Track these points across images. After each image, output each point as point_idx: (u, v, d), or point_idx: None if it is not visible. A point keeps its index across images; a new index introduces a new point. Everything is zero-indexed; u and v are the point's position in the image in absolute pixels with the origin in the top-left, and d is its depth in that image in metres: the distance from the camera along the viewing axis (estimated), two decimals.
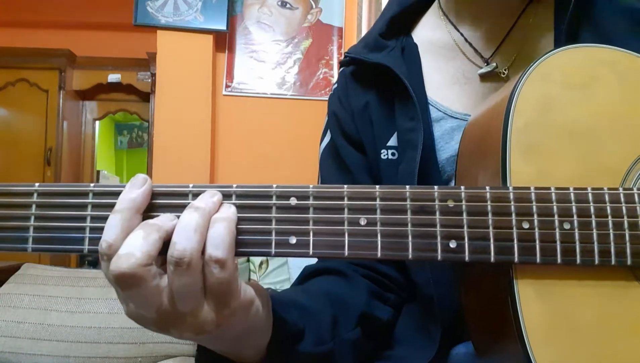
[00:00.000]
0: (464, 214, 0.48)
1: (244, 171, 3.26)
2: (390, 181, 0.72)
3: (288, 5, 3.40)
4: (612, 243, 0.48)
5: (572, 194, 0.49)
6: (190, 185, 0.47)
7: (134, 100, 4.69)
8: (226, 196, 0.47)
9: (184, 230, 0.43)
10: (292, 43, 3.38)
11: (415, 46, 0.79)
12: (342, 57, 0.83)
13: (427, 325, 0.69)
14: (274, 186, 0.48)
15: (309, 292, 0.67)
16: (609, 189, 0.49)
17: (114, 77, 4.43)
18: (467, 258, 0.47)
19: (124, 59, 4.42)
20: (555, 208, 0.48)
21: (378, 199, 0.48)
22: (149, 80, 4.25)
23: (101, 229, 0.44)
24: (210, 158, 3.21)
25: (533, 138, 0.51)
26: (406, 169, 0.69)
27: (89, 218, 0.46)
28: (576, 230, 0.48)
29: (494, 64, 0.73)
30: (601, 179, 0.50)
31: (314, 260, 0.74)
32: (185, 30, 3.19)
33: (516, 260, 0.47)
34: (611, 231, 0.48)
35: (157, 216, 0.46)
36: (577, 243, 0.48)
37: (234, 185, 0.47)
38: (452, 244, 0.47)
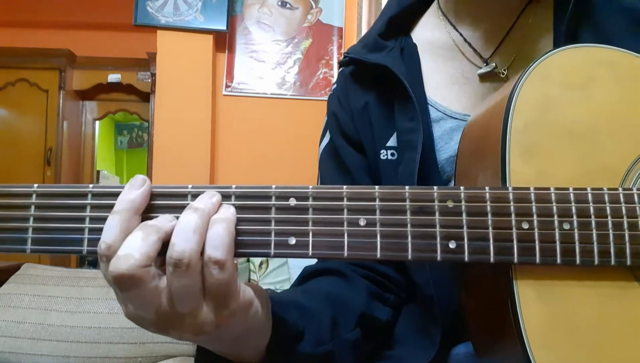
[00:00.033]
0: (464, 214, 0.48)
1: (244, 171, 3.26)
2: (390, 182, 0.72)
3: (288, 5, 3.40)
4: (611, 244, 0.48)
5: (571, 194, 0.49)
6: (189, 186, 0.47)
7: (134, 100, 4.69)
8: (225, 196, 0.47)
9: (183, 231, 0.43)
10: (292, 43, 3.38)
11: (415, 46, 0.79)
12: (342, 58, 0.83)
13: (427, 325, 0.69)
14: (273, 186, 0.48)
15: (309, 293, 0.67)
16: (609, 189, 0.49)
17: (114, 77, 4.43)
18: (466, 259, 0.47)
19: (124, 59, 4.43)
20: (554, 208, 0.48)
21: (377, 200, 0.48)
22: (149, 80, 4.25)
23: (100, 230, 0.44)
24: (210, 158, 3.21)
25: (532, 138, 0.51)
26: (406, 169, 0.69)
27: (88, 219, 0.46)
28: (576, 230, 0.48)
29: (493, 64, 0.72)
30: (601, 180, 0.50)
31: (313, 261, 0.74)
32: (185, 30, 3.19)
33: (516, 260, 0.47)
34: (611, 231, 0.48)
35: (156, 217, 0.46)
36: (577, 243, 0.48)
37: (233, 186, 0.47)
38: (452, 244, 0.47)
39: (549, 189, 0.49)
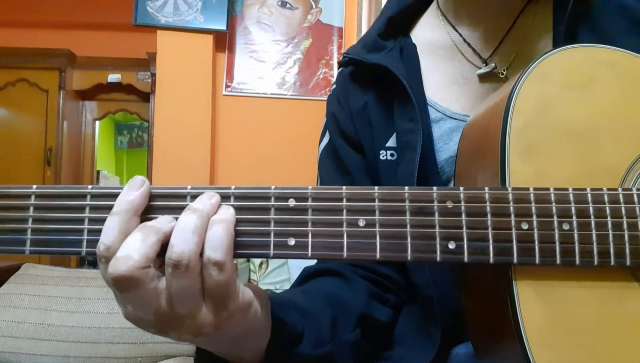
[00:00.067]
0: (463, 215, 0.48)
1: (244, 171, 3.26)
2: (389, 182, 0.72)
3: (288, 5, 3.40)
4: (611, 244, 0.48)
5: (571, 194, 0.49)
6: (189, 187, 0.47)
7: (134, 100, 4.69)
8: (224, 197, 0.47)
9: (182, 232, 0.43)
10: (292, 43, 3.38)
11: (414, 46, 0.78)
12: (341, 58, 0.82)
13: (427, 326, 0.69)
14: (273, 187, 0.47)
15: (308, 294, 0.67)
16: (608, 189, 0.49)
17: (114, 77, 4.43)
18: (466, 259, 0.47)
19: (124, 59, 4.43)
20: (554, 208, 0.48)
21: (377, 201, 0.48)
22: (149, 80, 4.25)
23: (99, 231, 0.44)
24: (210, 158, 3.21)
25: (532, 139, 0.51)
26: (405, 170, 0.69)
27: (86, 220, 0.46)
28: (575, 231, 0.48)
29: (493, 65, 0.72)
30: (600, 180, 0.50)
31: (313, 261, 0.74)
32: (185, 30, 3.19)
33: (515, 260, 0.47)
34: (610, 231, 0.48)
35: (155, 218, 0.46)
36: (577, 243, 0.48)
37: (232, 187, 0.47)
38: (451, 245, 0.47)
39: (548, 189, 0.49)
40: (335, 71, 3.30)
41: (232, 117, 3.31)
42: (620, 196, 0.49)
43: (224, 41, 3.33)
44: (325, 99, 0.85)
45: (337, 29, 3.41)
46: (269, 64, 3.36)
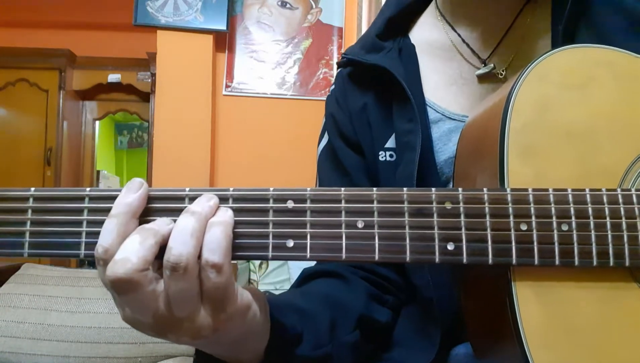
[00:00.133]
0: (462, 216, 0.48)
1: (244, 171, 3.26)
2: (389, 183, 0.72)
3: (288, 5, 3.40)
4: (610, 245, 0.48)
5: (570, 195, 0.49)
6: (187, 189, 0.47)
7: (134, 100, 4.69)
8: (223, 199, 0.47)
9: (180, 234, 0.43)
10: (292, 43, 3.38)
11: (413, 46, 0.78)
12: (340, 58, 0.82)
13: (426, 327, 0.69)
14: (271, 189, 0.47)
15: (307, 295, 0.67)
16: (607, 190, 0.49)
17: (114, 77, 4.43)
18: (465, 261, 0.47)
19: (124, 59, 4.42)
20: (553, 209, 0.48)
21: (375, 202, 0.48)
22: (149, 80, 4.25)
23: (97, 234, 0.44)
24: (210, 158, 3.21)
25: (531, 139, 0.51)
26: (404, 171, 0.69)
27: (85, 223, 0.46)
28: (574, 232, 0.48)
29: (492, 65, 0.72)
30: (599, 180, 0.50)
31: (312, 263, 0.74)
32: (185, 30, 3.19)
33: (514, 261, 0.47)
34: (609, 232, 0.48)
35: (154, 220, 0.46)
36: (575, 244, 0.48)
37: (231, 188, 0.47)
38: (450, 246, 0.47)
39: (547, 190, 0.49)
40: (335, 71, 3.30)
41: (232, 117, 3.31)
42: (619, 196, 0.49)
43: (224, 41, 3.33)
44: (325, 99, 0.85)
45: (337, 29, 3.40)
46: (269, 64, 3.36)
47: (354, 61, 0.79)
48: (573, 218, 0.48)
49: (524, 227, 0.48)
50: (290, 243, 0.47)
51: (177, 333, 0.45)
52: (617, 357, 0.48)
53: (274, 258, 0.47)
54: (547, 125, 0.52)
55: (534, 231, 0.48)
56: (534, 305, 0.48)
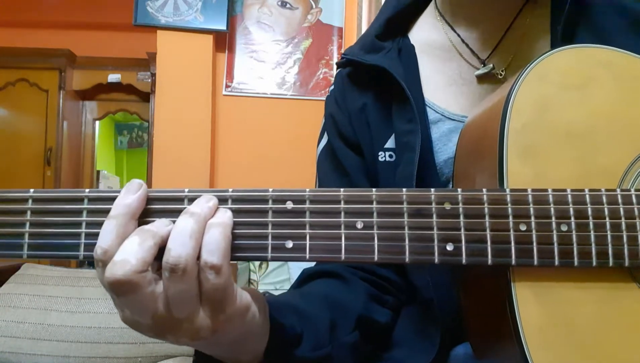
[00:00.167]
0: (461, 216, 0.48)
1: (244, 171, 3.25)
2: (388, 183, 0.72)
3: (288, 5, 3.40)
4: (609, 245, 0.48)
5: (569, 195, 0.49)
6: (186, 190, 0.47)
7: (134, 100, 4.68)
8: (222, 200, 0.47)
9: (179, 235, 0.43)
10: (292, 43, 3.38)
11: (412, 47, 0.78)
12: (339, 59, 0.82)
13: (426, 327, 0.69)
14: (270, 190, 0.47)
15: (307, 296, 0.66)
16: (606, 190, 0.49)
17: (114, 77, 4.42)
18: (464, 261, 0.47)
19: (124, 59, 4.42)
20: (552, 209, 0.48)
21: (375, 203, 0.48)
22: (149, 80, 4.24)
23: (96, 235, 0.44)
24: (210, 158, 3.21)
25: (530, 140, 0.51)
26: (404, 171, 0.69)
27: (84, 224, 0.46)
28: (574, 232, 0.48)
29: (491, 65, 0.72)
30: (598, 181, 0.50)
31: (312, 263, 0.74)
32: (185, 30, 3.19)
33: (513, 262, 0.47)
34: (609, 232, 0.48)
35: (153, 221, 0.46)
36: (575, 245, 0.48)
37: (230, 189, 0.47)
38: (449, 247, 0.47)
39: (546, 190, 0.49)
40: (335, 71, 3.30)
41: (232, 117, 3.31)
42: (619, 197, 0.49)
43: (224, 41, 3.32)
44: (325, 99, 0.85)
45: (337, 29, 3.40)
46: (269, 64, 3.36)
47: (354, 61, 0.79)
48: (572, 219, 0.48)
49: (523, 227, 0.48)
50: (290, 244, 0.47)
51: (176, 334, 0.45)
52: (616, 357, 0.48)
53: (273, 259, 0.47)
54: (546, 125, 0.52)
55: (534, 231, 0.48)
56: (534, 305, 0.48)
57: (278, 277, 2.72)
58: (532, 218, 0.48)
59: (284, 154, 3.25)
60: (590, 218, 0.48)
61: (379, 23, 0.79)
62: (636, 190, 0.50)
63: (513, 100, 0.52)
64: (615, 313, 0.48)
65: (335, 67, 3.33)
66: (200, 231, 0.43)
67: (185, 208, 0.46)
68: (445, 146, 0.72)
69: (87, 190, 0.47)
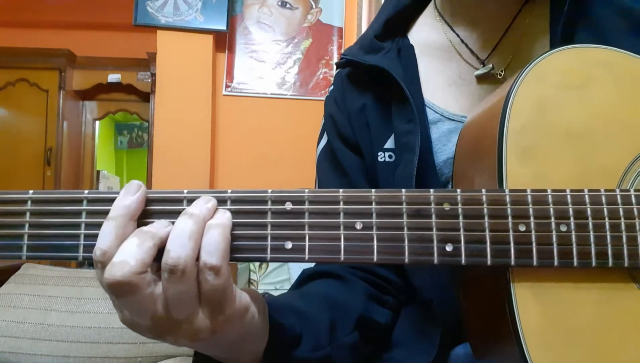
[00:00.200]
0: (460, 217, 0.48)
1: (244, 172, 3.25)
2: (388, 184, 0.72)
3: (288, 5, 3.39)
4: (609, 245, 0.48)
5: (568, 196, 0.48)
6: (185, 191, 0.47)
7: (134, 100, 4.69)
8: (221, 201, 0.47)
9: (179, 236, 0.43)
10: (292, 43, 3.38)
11: (412, 47, 0.78)
12: (339, 59, 0.82)
13: (426, 327, 0.69)
14: (269, 191, 0.47)
15: (306, 296, 0.66)
16: (606, 191, 0.49)
17: (114, 77, 4.43)
18: (463, 262, 0.47)
19: (124, 59, 4.42)
20: (551, 210, 0.48)
21: (374, 203, 0.48)
22: (149, 80, 4.25)
23: (95, 236, 0.44)
24: (210, 158, 3.21)
25: (529, 140, 0.51)
26: (404, 172, 0.69)
27: (83, 225, 0.46)
28: (573, 232, 0.48)
29: (490, 66, 0.72)
30: (598, 181, 0.50)
31: (312, 263, 0.74)
32: (185, 30, 3.19)
33: (513, 262, 0.47)
34: (608, 233, 0.48)
35: (152, 222, 0.46)
36: (574, 245, 0.48)
37: (229, 190, 0.47)
38: (449, 247, 0.47)
39: (546, 191, 0.48)
40: (335, 72, 3.29)
41: (232, 117, 3.31)
42: (618, 197, 0.49)
43: (224, 41, 3.32)
44: (324, 99, 0.85)
45: (337, 29, 3.40)
46: (269, 64, 3.36)
47: (353, 62, 0.79)
48: (572, 219, 0.48)
49: (522, 228, 0.48)
50: (289, 245, 0.47)
51: (175, 336, 0.45)
52: (615, 357, 0.48)
53: (273, 260, 0.47)
54: (546, 125, 0.51)
55: (533, 232, 0.48)
56: (533, 305, 0.48)
57: (278, 277, 2.72)
58: (532, 219, 0.48)
59: (284, 154, 3.25)
60: (590, 218, 0.48)
61: (379, 23, 0.79)
62: (635, 190, 0.50)
63: (512, 100, 0.52)
64: (614, 313, 0.48)
65: (335, 67, 3.33)
66: (199, 232, 0.43)
67: (184, 209, 0.46)
68: (444, 147, 0.71)
69: (86, 191, 0.47)
